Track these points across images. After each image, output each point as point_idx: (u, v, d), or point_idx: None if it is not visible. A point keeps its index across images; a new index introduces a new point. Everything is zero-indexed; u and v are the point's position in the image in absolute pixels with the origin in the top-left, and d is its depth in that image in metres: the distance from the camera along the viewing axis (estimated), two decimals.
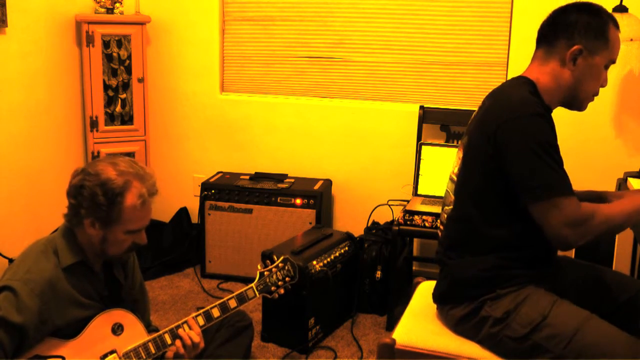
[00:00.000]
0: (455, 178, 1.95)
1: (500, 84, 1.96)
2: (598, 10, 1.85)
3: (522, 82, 1.86)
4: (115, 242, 1.95)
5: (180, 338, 2.00)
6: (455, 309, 1.89)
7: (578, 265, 2.06)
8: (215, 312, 2.09)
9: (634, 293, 1.94)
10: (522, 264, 1.83)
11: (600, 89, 1.92)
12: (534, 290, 1.81)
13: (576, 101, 1.90)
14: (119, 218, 1.91)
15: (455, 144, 3.30)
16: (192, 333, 2.01)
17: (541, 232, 1.77)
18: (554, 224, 1.71)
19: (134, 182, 1.92)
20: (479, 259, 1.84)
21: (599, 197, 2.10)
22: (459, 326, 1.90)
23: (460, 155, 1.93)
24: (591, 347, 1.70)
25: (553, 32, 1.87)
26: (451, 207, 1.94)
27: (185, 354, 2.01)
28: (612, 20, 1.85)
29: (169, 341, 2.00)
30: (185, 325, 2.02)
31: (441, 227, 2.01)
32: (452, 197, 1.94)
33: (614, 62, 1.88)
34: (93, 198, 1.88)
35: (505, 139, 1.74)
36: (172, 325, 2.02)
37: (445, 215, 1.98)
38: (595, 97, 2.83)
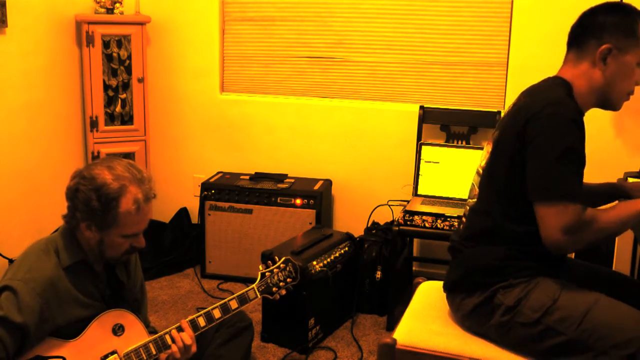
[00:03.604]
0: (481, 171, 1.96)
1: (537, 82, 1.95)
2: (626, 8, 1.86)
3: (559, 83, 1.87)
4: (112, 245, 1.95)
5: (172, 339, 2.00)
6: (468, 299, 1.90)
7: (582, 266, 2.09)
8: (217, 313, 2.09)
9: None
10: (533, 256, 1.84)
11: None
12: (544, 279, 1.84)
13: (610, 101, 1.92)
14: (114, 222, 1.90)
15: (455, 144, 3.31)
16: (185, 335, 2.01)
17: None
18: (551, 227, 1.72)
19: (130, 187, 1.90)
20: (493, 249, 1.86)
21: (616, 190, 2.13)
22: (469, 317, 1.91)
23: (489, 149, 1.94)
24: (603, 326, 1.72)
25: (582, 34, 1.88)
26: (475, 199, 1.95)
27: (178, 355, 2.00)
28: None
29: (169, 342, 2.00)
30: (174, 330, 2.02)
31: (463, 219, 2.02)
32: (477, 190, 1.95)
33: None
34: (87, 202, 1.88)
35: (532, 133, 1.75)
36: (173, 327, 2.03)
37: (468, 208, 2.00)
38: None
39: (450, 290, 1.99)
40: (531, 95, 1.88)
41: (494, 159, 1.90)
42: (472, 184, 2.02)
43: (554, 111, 1.74)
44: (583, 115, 1.86)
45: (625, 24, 1.83)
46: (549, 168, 1.72)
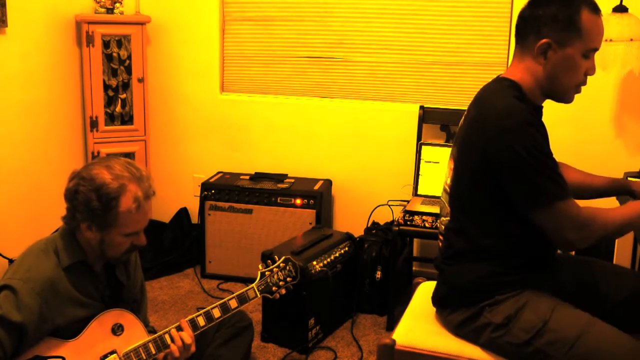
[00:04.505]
0: (448, 189, 1.94)
1: (483, 86, 1.91)
2: None
3: (506, 86, 1.82)
4: (112, 244, 1.95)
5: (172, 338, 2.00)
6: (454, 314, 1.89)
7: (576, 262, 2.06)
8: (216, 313, 2.09)
9: (633, 289, 1.94)
10: (518, 269, 1.83)
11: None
12: (534, 295, 1.81)
13: (557, 94, 1.85)
14: (115, 222, 1.90)
15: None
16: (184, 334, 2.01)
17: (538, 237, 1.77)
18: (557, 229, 1.72)
19: (129, 186, 1.90)
20: (476, 266, 1.84)
21: (623, 188, 2.11)
22: (459, 330, 1.90)
23: (452, 166, 1.93)
24: (594, 351, 1.69)
25: (523, 28, 1.83)
26: (448, 218, 1.94)
27: (177, 355, 2.00)
28: (588, 6, 1.77)
29: (169, 342, 2.00)
30: (173, 330, 2.02)
31: (440, 237, 2.00)
32: (448, 208, 1.94)
33: (595, 49, 1.80)
34: (88, 203, 1.87)
35: (496, 153, 1.72)
36: (172, 326, 2.03)
37: (444, 227, 1.98)
38: (596, 97, 2.82)
39: (438, 305, 1.99)
40: (480, 106, 1.84)
41: (457, 177, 1.88)
42: (442, 201, 2.00)
43: (507, 123, 1.71)
44: (540, 110, 1.84)
45: (565, 15, 1.75)
46: (527, 178, 1.70)
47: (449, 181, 1.94)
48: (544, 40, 1.77)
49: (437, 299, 1.98)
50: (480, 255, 1.84)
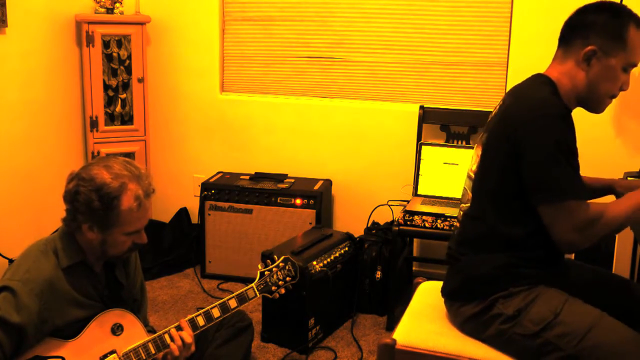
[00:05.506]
0: (472, 175, 1.95)
1: (521, 81, 1.94)
2: (618, 10, 1.82)
3: (543, 82, 1.85)
4: (114, 244, 1.95)
5: (172, 338, 2.00)
6: (466, 306, 1.89)
7: (584, 268, 2.07)
8: (216, 312, 2.09)
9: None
10: (533, 263, 1.83)
11: None
12: (546, 289, 1.82)
13: (591, 103, 1.89)
14: (117, 221, 1.90)
15: (455, 144, 3.30)
16: (184, 334, 2.01)
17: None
18: (562, 228, 1.72)
19: (130, 185, 1.91)
20: (492, 257, 1.84)
21: (609, 188, 2.12)
22: (468, 323, 1.90)
23: (479, 152, 1.93)
24: (603, 346, 1.70)
25: (570, 32, 1.87)
26: (468, 204, 1.94)
27: (177, 354, 2.00)
28: (635, 22, 1.81)
29: (168, 341, 2.00)
30: (173, 329, 2.02)
31: (456, 224, 2.01)
32: (470, 194, 1.94)
33: (635, 65, 1.84)
34: (89, 204, 1.87)
35: (523, 139, 1.74)
36: (172, 326, 2.03)
37: (462, 212, 1.98)
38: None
39: (448, 296, 1.99)
40: (515, 96, 1.87)
41: (484, 163, 1.89)
42: (465, 188, 2.01)
43: (540, 113, 1.74)
44: (570, 111, 1.85)
45: (614, 26, 1.79)
46: (546, 170, 1.71)
47: (474, 167, 1.95)
48: (590, 47, 1.81)
49: (448, 292, 1.98)
50: (495, 245, 1.84)
